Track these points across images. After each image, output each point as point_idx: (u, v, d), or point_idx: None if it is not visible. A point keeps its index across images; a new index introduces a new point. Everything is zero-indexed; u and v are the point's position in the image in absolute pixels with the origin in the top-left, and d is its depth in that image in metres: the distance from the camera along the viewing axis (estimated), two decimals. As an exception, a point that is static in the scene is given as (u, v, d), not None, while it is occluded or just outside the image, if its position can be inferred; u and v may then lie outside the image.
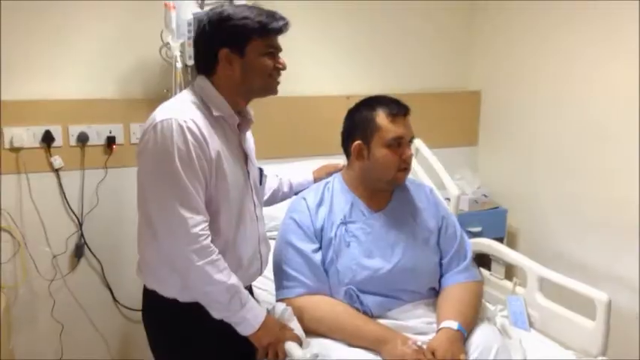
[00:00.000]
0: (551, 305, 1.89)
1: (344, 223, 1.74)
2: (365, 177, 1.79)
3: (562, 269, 1.92)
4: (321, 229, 1.74)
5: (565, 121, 2.63)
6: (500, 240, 2.60)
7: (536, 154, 2.80)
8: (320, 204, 1.78)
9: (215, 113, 1.51)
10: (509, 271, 2.20)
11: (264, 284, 1.93)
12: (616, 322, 1.75)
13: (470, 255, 1.84)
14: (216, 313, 1.47)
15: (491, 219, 2.83)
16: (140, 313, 2.48)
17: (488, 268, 2.22)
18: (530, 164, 2.85)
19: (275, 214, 2.05)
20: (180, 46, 2.19)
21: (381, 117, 1.73)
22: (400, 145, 1.73)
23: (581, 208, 2.56)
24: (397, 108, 1.74)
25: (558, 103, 2.66)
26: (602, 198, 2.46)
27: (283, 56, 1.56)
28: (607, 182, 2.44)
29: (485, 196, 2.89)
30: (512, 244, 2.86)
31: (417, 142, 2.49)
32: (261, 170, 1.74)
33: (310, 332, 1.63)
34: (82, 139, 2.40)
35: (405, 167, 1.76)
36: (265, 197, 1.86)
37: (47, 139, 2.35)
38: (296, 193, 1.92)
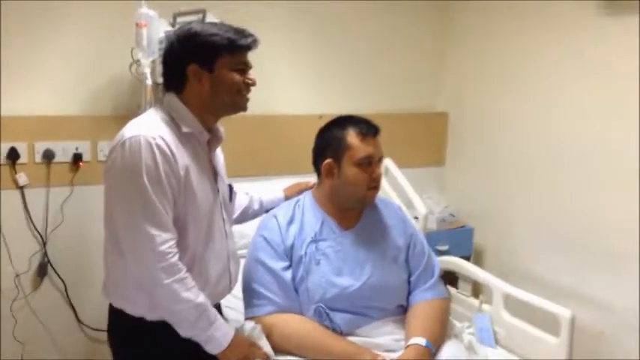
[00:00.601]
0: (517, 322, 1.91)
1: (314, 240, 1.75)
2: (335, 195, 1.80)
3: (528, 287, 1.95)
4: (292, 247, 1.74)
5: (530, 142, 2.70)
6: (467, 258, 2.63)
7: (503, 175, 2.86)
8: (291, 222, 1.78)
9: (184, 130, 1.50)
10: (476, 289, 2.23)
11: (233, 303, 1.92)
12: (580, 339, 1.78)
13: (437, 272, 1.86)
14: (184, 332, 1.46)
15: (458, 237, 2.86)
16: (104, 334, 2.48)
17: (455, 286, 2.24)
18: (496, 184, 2.91)
19: (245, 232, 2.05)
20: (150, 64, 2.19)
21: (352, 136, 1.75)
22: (370, 164, 1.75)
23: (547, 227, 2.62)
24: (367, 128, 1.76)
25: (524, 125, 2.72)
26: (568, 218, 2.52)
27: (254, 74, 1.57)
28: (573, 202, 2.50)
29: (452, 215, 2.94)
30: (478, 262, 2.90)
31: (387, 162, 2.53)
32: (230, 187, 1.74)
33: (279, 350, 1.62)
34: (48, 155, 2.36)
35: (374, 186, 1.79)
36: (235, 215, 1.86)
37: (12, 155, 2.30)
38: (266, 211, 1.92)
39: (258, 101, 1.60)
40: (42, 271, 2.40)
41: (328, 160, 1.78)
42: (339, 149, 1.76)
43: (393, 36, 3.03)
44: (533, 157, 2.69)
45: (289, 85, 2.80)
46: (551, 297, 1.88)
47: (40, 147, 2.36)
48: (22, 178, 2.33)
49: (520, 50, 2.73)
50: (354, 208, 1.83)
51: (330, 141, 1.79)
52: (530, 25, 2.66)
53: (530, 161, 2.71)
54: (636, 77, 2.21)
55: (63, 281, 2.45)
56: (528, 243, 2.74)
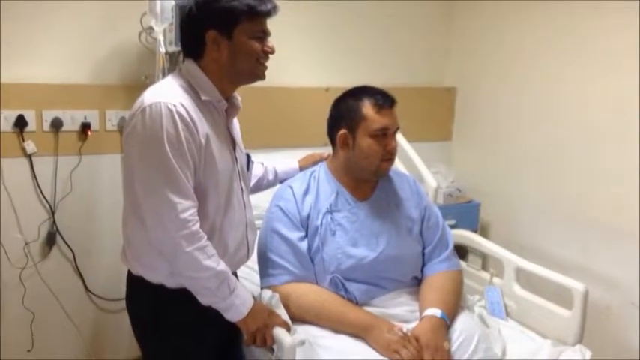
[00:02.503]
0: (528, 295, 1.93)
1: (330, 211, 1.75)
2: (349, 166, 1.80)
3: (533, 262, 1.97)
4: (307, 218, 1.74)
5: (537, 117, 2.70)
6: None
7: (509, 150, 2.87)
8: (306, 192, 1.78)
9: (203, 97, 1.49)
10: (485, 263, 2.24)
11: (247, 274, 1.93)
12: (587, 313, 1.80)
13: (451, 245, 1.87)
14: (204, 299, 1.46)
15: (464, 212, 2.87)
16: (112, 303, 2.52)
17: (465, 260, 2.26)
18: (503, 159, 2.91)
19: (257, 204, 2.03)
20: (163, 32, 2.16)
21: (367, 107, 1.74)
22: (385, 136, 1.74)
23: (553, 202, 2.63)
24: (383, 99, 1.75)
25: (532, 101, 2.72)
26: (573, 194, 2.54)
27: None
28: (578, 178, 2.51)
29: (459, 190, 2.94)
30: (484, 237, 2.91)
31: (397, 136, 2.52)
32: (248, 156, 1.73)
33: (296, 319, 1.63)
34: (56, 124, 2.34)
35: (389, 158, 1.78)
36: (250, 185, 1.85)
37: (20, 123, 2.28)
38: (281, 182, 1.92)
39: (266, 73, 1.58)
40: (51, 239, 2.40)
41: (343, 131, 1.77)
42: (354, 120, 1.75)
43: (401, 9, 3.00)
44: (539, 133, 2.70)
45: (296, 58, 2.77)
46: (556, 272, 1.90)
47: (49, 115, 2.33)
48: (30, 147, 2.31)
49: (529, 25, 2.71)
50: (368, 179, 1.83)
51: (345, 112, 1.78)
52: (543, 1, 2.64)
53: (536, 137, 2.72)
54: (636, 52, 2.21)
55: (72, 250, 2.45)
56: (533, 218, 2.76)
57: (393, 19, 2.99)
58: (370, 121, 1.73)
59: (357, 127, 1.74)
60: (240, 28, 1.47)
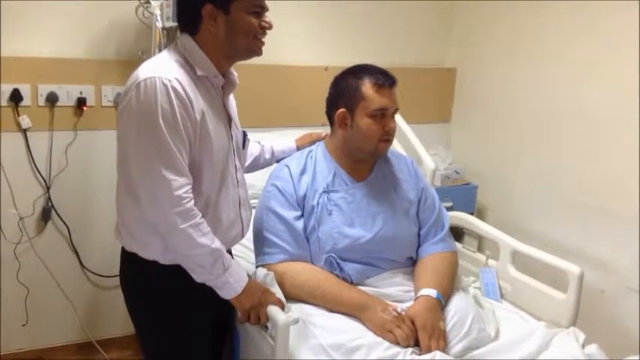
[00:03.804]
0: (523, 277, 1.93)
1: (326, 191, 1.74)
2: (347, 146, 1.78)
3: (529, 245, 1.96)
4: (304, 197, 1.73)
5: (537, 101, 2.68)
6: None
7: (508, 133, 2.85)
8: (303, 172, 1.77)
9: (199, 73, 1.47)
10: (481, 245, 2.24)
11: (242, 252, 1.92)
12: (582, 296, 1.80)
13: (447, 226, 1.87)
14: (198, 277, 1.46)
15: (461, 195, 2.87)
16: (107, 279, 2.51)
17: (461, 242, 2.25)
18: (501, 142, 2.90)
19: (253, 182, 2.02)
20: (159, 6, 2.13)
21: (367, 86, 1.71)
22: (384, 116, 1.72)
23: (551, 186, 2.63)
24: (383, 78, 1.72)
25: (532, 84, 2.70)
26: (570, 178, 2.53)
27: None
28: (576, 162, 2.50)
29: (457, 172, 2.93)
30: (481, 220, 2.91)
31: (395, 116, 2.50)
32: (244, 134, 1.71)
33: (290, 298, 1.63)
34: (52, 99, 2.32)
35: (387, 138, 1.76)
36: (247, 163, 1.84)
37: (15, 97, 2.26)
38: (278, 161, 1.91)
39: (265, 51, 1.56)
40: (46, 215, 2.39)
41: (341, 110, 1.75)
42: (353, 99, 1.72)
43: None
44: (538, 116, 2.68)
45: (296, 36, 2.75)
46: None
47: (44, 90, 2.32)
48: (24, 121, 2.30)
49: (531, 7, 2.68)
50: (366, 159, 1.81)
51: (344, 90, 1.75)
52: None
53: (535, 120, 2.70)
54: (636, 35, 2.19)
55: (67, 226, 2.44)
56: (530, 202, 2.75)
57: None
58: (369, 101, 1.71)
59: (356, 106, 1.72)
60: (238, 3, 1.44)
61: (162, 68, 1.42)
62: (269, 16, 1.51)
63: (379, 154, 1.80)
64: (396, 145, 2.46)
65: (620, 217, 2.32)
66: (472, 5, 3.02)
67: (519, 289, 1.92)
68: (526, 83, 2.73)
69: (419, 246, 1.82)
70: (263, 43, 1.52)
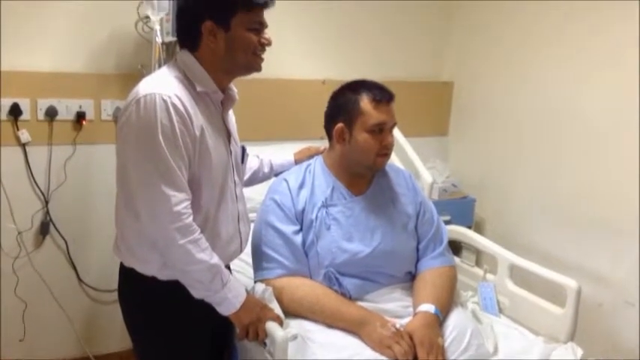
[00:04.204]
0: (521, 292, 1.94)
1: (325, 205, 1.74)
2: (345, 160, 1.79)
3: (527, 259, 1.96)
4: (302, 211, 1.73)
5: (534, 114, 2.70)
6: (467, 229, 2.65)
7: (505, 146, 2.87)
8: (301, 186, 1.77)
9: (199, 89, 1.48)
10: (479, 259, 2.24)
11: (240, 267, 1.92)
12: (579, 310, 1.80)
13: (446, 240, 1.87)
14: (197, 293, 1.45)
15: (459, 208, 2.87)
16: (105, 294, 2.51)
17: (459, 256, 2.26)
18: (499, 155, 2.91)
19: (251, 196, 2.03)
20: (159, 21, 2.14)
21: (365, 102, 1.72)
22: (382, 131, 1.73)
23: (549, 199, 2.63)
24: (381, 94, 1.73)
25: (529, 97, 2.72)
26: (568, 191, 2.54)
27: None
28: (574, 176, 2.51)
29: (455, 185, 2.94)
30: (478, 233, 2.91)
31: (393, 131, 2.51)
32: (243, 148, 1.72)
33: (289, 314, 1.62)
34: (51, 113, 2.33)
35: (385, 153, 1.76)
36: (245, 177, 1.84)
37: (14, 112, 2.27)
38: (276, 175, 1.91)
39: (263, 64, 1.57)
40: (44, 229, 2.39)
41: (340, 125, 1.76)
42: (351, 114, 1.74)
43: (400, 3, 2.98)
44: (536, 129, 2.70)
45: (294, 50, 2.76)
46: (549, 269, 1.90)
47: (43, 104, 2.32)
48: (24, 135, 2.30)
49: (527, 21, 2.71)
50: (364, 174, 1.82)
51: (342, 105, 1.77)
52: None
53: (532, 134, 2.71)
54: (636, 46, 2.20)
55: (65, 240, 2.44)
56: (528, 215, 2.76)
57: (392, 13, 2.97)
58: (367, 116, 1.72)
59: (354, 121, 1.73)
60: (237, 19, 1.45)
61: (162, 84, 1.42)
62: (268, 33, 1.52)
63: (377, 169, 1.81)
64: (393, 159, 2.45)
65: (617, 230, 2.32)
66: (468, 19, 3.04)
67: (518, 304, 1.92)
68: (522, 96, 2.75)
69: (418, 260, 1.83)
70: (262, 60, 1.53)
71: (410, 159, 2.50)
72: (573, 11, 2.47)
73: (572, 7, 2.47)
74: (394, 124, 1.77)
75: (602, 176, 2.39)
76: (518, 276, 1.98)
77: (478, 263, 2.19)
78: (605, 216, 2.38)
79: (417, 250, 1.83)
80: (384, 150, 1.75)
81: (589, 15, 2.40)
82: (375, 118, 1.71)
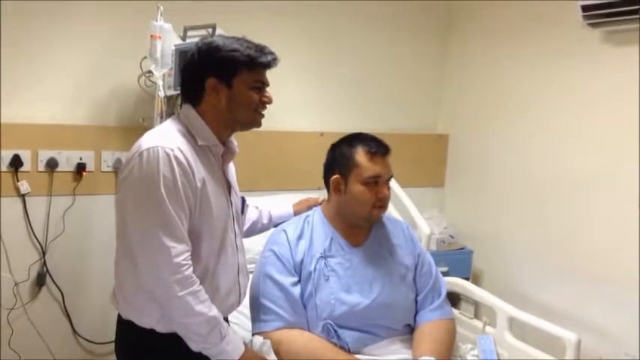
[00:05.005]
0: (521, 345, 1.92)
1: (323, 257, 1.75)
2: (342, 211, 1.81)
3: (525, 311, 1.96)
4: (301, 263, 1.74)
5: (529, 167, 2.73)
6: (465, 280, 2.65)
7: (502, 197, 2.89)
8: (300, 237, 1.78)
9: (200, 142, 1.51)
10: (478, 311, 2.23)
11: (239, 319, 1.91)
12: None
13: (444, 292, 1.87)
14: (195, 345, 1.44)
15: (457, 259, 2.87)
16: (99, 346, 2.47)
17: (457, 307, 2.25)
18: (495, 207, 2.93)
19: (250, 247, 2.03)
20: (162, 76, 2.19)
21: (360, 154, 1.76)
22: (377, 184, 1.76)
23: (545, 250, 2.64)
24: (377, 147, 1.77)
25: (524, 147, 2.76)
26: (567, 241, 2.54)
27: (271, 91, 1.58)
28: (572, 227, 2.52)
29: (452, 236, 2.95)
30: (477, 285, 2.90)
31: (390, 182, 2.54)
32: (243, 199, 1.74)
33: (287, 367, 1.61)
34: (51, 164, 2.35)
35: (380, 205, 1.78)
36: (244, 228, 1.85)
37: (15, 163, 2.29)
38: (275, 226, 1.92)
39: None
40: (40, 280, 2.38)
41: (336, 176, 1.79)
42: (346, 166, 1.77)
43: (394, 58, 3.07)
44: (532, 181, 2.72)
45: (293, 103, 2.82)
46: (548, 321, 1.89)
47: (44, 155, 2.34)
48: (23, 186, 2.32)
49: (519, 75, 2.78)
50: (360, 225, 1.83)
51: (338, 157, 1.81)
52: (530, 50, 2.72)
53: (529, 185, 2.74)
54: (636, 107, 2.25)
55: (61, 291, 2.42)
56: (526, 267, 2.75)
57: (388, 68, 3.05)
58: (362, 168, 1.75)
59: (350, 173, 1.76)
60: (240, 78, 1.50)
61: (165, 138, 1.46)
62: (270, 92, 1.56)
63: (373, 220, 1.82)
64: (390, 210, 2.49)
65: (616, 282, 2.32)
66: (461, 74, 3.12)
67: (517, 357, 1.90)
68: (517, 147, 2.79)
69: (416, 312, 1.82)
70: (263, 116, 1.57)
71: (407, 209, 2.52)
72: (565, 61, 2.54)
73: (565, 56, 2.54)
74: (390, 177, 1.80)
75: (600, 227, 2.40)
76: (517, 327, 1.97)
77: (477, 315, 2.18)
78: (604, 268, 2.38)
79: (416, 302, 1.83)
80: (379, 202, 1.77)
81: (581, 63, 2.46)
82: (371, 171, 1.74)
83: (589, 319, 2.39)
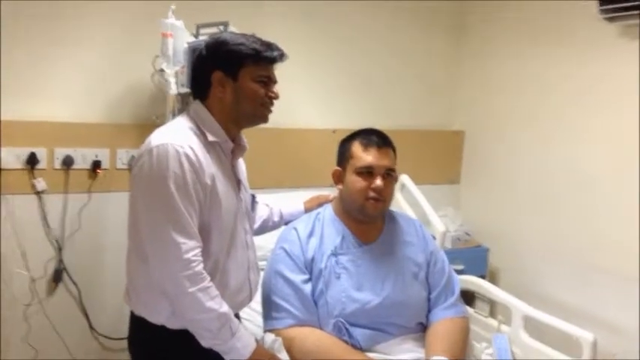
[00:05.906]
0: (536, 344, 1.89)
1: (334, 254, 1.74)
2: (343, 203, 1.83)
3: (541, 309, 1.94)
4: (312, 260, 1.74)
5: (545, 161, 2.70)
6: (481, 278, 2.62)
7: (518, 195, 2.86)
8: (311, 234, 1.78)
9: (210, 139, 1.51)
10: (493, 309, 2.21)
11: (250, 315, 1.91)
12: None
13: (458, 291, 1.85)
14: (206, 342, 1.45)
15: (472, 257, 2.85)
16: (116, 342, 2.49)
17: (472, 306, 2.23)
18: (511, 204, 2.90)
19: (262, 244, 2.03)
20: (174, 73, 2.20)
21: (355, 145, 1.79)
22: (371, 175, 1.75)
23: (563, 249, 2.60)
24: (374, 139, 1.78)
25: (540, 144, 2.73)
26: (583, 238, 2.51)
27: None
28: (589, 225, 2.48)
29: (468, 234, 2.92)
30: (492, 283, 2.87)
31: (403, 178, 2.52)
32: (253, 196, 1.74)
33: (298, 364, 1.61)
34: (67, 162, 2.37)
35: (375, 197, 1.74)
36: (255, 226, 1.85)
37: (31, 161, 2.31)
38: (286, 223, 1.92)
39: (273, 114, 1.61)
40: (57, 277, 2.40)
41: (337, 168, 1.83)
42: (344, 157, 1.81)
43: (409, 54, 3.05)
44: (548, 178, 2.69)
45: (304, 100, 2.81)
46: (564, 319, 1.86)
47: (60, 153, 2.36)
48: (40, 184, 2.33)
49: (535, 71, 2.75)
50: (363, 220, 1.80)
51: (340, 150, 1.86)
52: (546, 46, 2.68)
53: (545, 182, 2.71)
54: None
55: (78, 288, 2.44)
56: (542, 264, 2.72)
57: (402, 63, 3.03)
58: (356, 159, 1.77)
59: (347, 163, 1.80)
60: (245, 71, 1.50)
61: (174, 135, 1.46)
62: (277, 88, 1.56)
63: (368, 213, 1.77)
64: (405, 207, 2.48)
65: (631, 279, 2.28)
66: (477, 69, 3.09)
67: (532, 356, 1.88)
68: (533, 143, 2.76)
69: (429, 311, 1.81)
70: (270, 111, 1.57)
71: (421, 206, 2.50)
72: (582, 56, 2.50)
73: (576, 56, 2.51)
74: (389, 170, 1.77)
75: (618, 225, 2.37)
76: (533, 326, 1.95)
77: (492, 314, 2.15)
78: (620, 266, 2.35)
79: (429, 300, 1.81)
80: (373, 193, 1.74)
81: (598, 58, 2.43)
82: (363, 161, 1.75)
83: (603, 317, 2.36)
